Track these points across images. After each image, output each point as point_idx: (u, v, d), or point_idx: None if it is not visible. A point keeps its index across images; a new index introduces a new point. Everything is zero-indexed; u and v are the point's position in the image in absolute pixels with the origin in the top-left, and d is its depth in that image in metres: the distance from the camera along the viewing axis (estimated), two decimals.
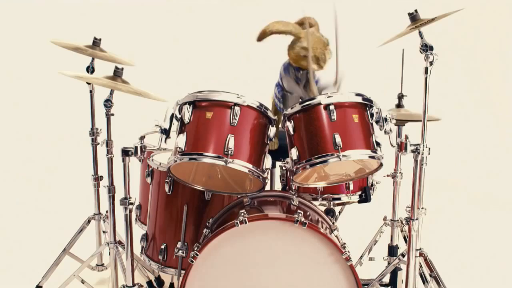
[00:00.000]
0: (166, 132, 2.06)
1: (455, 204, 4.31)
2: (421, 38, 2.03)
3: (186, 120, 2.00)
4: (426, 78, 2.03)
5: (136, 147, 2.01)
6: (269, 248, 1.89)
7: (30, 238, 3.56)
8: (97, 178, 2.78)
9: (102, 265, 2.92)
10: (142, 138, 2.05)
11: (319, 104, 1.95)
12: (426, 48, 2.00)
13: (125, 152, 2.01)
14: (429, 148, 2.03)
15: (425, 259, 2.28)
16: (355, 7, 4.91)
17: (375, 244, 2.71)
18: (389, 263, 2.66)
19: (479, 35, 5.28)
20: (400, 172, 2.57)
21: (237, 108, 1.96)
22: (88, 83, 2.68)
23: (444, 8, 2.12)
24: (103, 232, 2.91)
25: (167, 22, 5.41)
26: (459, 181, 4.69)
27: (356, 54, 4.36)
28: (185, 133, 1.99)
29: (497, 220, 3.97)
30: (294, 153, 1.99)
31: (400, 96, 2.52)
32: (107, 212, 2.85)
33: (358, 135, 1.95)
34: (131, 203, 2.05)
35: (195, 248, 1.92)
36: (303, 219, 1.83)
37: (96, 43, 2.60)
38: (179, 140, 1.98)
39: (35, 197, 4.31)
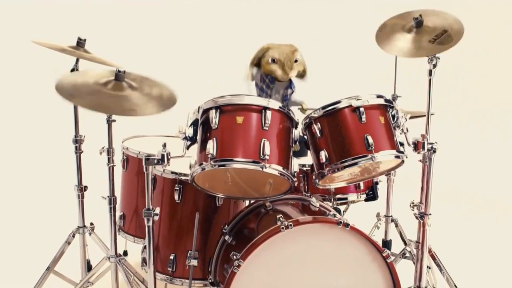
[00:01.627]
0: (191, 139, 1.99)
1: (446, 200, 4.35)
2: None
3: (214, 125, 1.94)
4: (429, 80, 2.14)
5: (162, 155, 1.90)
6: (309, 251, 1.89)
7: (7, 256, 3.27)
8: (82, 189, 2.59)
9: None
10: (164, 145, 1.94)
11: (349, 106, 1.98)
12: None
13: (149, 161, 1.89)
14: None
15: (429, 251, 2.41)
16: (353, 7, 4.97)
17: None
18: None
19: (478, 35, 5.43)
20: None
21: (268, 112, 1.93)
22: None
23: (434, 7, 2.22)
24: (85, 245, 2.73)
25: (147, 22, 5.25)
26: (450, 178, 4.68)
27: (350, 54, 4.40)
28: (214, 138, 1.93)
29: (489, 215, 4.14)
30: (323, 155, 1.99)
31: (394, 98, 2.61)
32: (91, 224, 2.69)
33: (385, 136, 2.00)
34: (156, 214, 1.94)
35: (234, 257, 1.87)
36: (346, 220, 1.86)
37: (80, 43, 2.43)
38: (209, 147, 1.91)
39: (13, 210, 3.97)
